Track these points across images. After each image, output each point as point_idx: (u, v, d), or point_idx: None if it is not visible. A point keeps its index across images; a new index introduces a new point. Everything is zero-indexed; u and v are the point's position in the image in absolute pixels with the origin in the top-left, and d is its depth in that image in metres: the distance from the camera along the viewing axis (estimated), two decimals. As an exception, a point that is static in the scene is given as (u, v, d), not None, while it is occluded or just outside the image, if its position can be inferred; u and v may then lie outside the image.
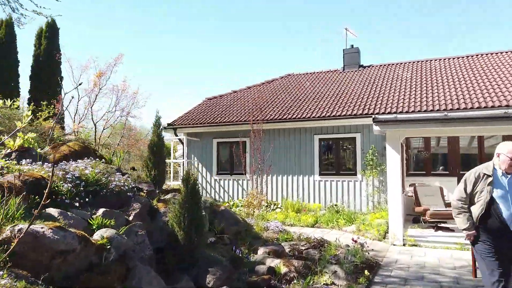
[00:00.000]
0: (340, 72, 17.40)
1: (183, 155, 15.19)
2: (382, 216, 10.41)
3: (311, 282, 5.15)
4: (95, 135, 10.42)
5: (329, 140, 13.18)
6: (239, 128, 13.81)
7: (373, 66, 17.19)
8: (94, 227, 3.64)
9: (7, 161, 3.98)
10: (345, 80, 15.99)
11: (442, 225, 9.48)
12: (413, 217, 10.59)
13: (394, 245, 8.35)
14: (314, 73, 18.39)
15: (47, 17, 6.62)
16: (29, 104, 20.55)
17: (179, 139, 15.33)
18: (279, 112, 13.75)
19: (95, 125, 10.75)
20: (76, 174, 4.09)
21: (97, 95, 11.46)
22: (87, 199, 3.97)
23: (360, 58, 17.63)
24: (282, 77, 18.75)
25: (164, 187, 7.18)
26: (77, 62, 32.78)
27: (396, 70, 16.02)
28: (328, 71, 18.06)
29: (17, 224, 2.90)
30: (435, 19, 57.13)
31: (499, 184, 3.72)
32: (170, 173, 14.82)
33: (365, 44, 56.32)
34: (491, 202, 3.68)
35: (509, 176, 3.71)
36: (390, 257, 7.24)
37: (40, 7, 6.52)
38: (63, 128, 11.08)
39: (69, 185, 3.88)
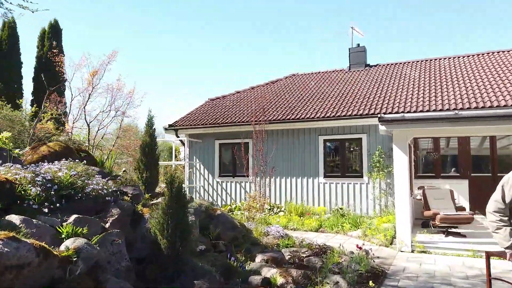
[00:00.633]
0: (346, 72, 16.95)
1: (184, 157, 14.84)
2: (389, 220, 9.95)
3: (310, 294, 4.74)
4: (88, 136, 10.11)
5: (334, 141, 12.74)
6: (241, 129, 13.44)
7: (380, 65, 16.72)
8: (63, 236, 3.27)
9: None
10: (351, 80, 15.54)
11: (453, 230, 8.99)
12: (422, 222, 10.10)
13: (401, 251, 7.90)
14: (319, 73, 17.96)
15: (33, 11, 6.30)
16: (32, 105, 20.40)
17: (181, 141, 14.99)
18: (283, 113, 13.35)
19: (88, 125, 10.43)
20: (48, 177, 3.73)
21: (90, 94, 11.14)
22: (58, 205, 3.60)
23: (366, 57, 17.17)
24: (286, 77, 18.35)
25: (158, 190, 6.81)
26: (69, 60, 32.60)
27: (403, 69, 15.54)
28: (333, 71, 17.62)
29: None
30: (444, 17, 56.39)
31: None
32: (165, 174, 14.46)
33: (372, 44, 55.79)
34: None
35: None
36: (397, 265, 6.78)
37: (26, 1, 6.22)
38: (58, 129, 10.81)
39: (38, 188, 3.51)
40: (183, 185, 3.78)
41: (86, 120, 10.29)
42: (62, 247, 3.04)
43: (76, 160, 4.46)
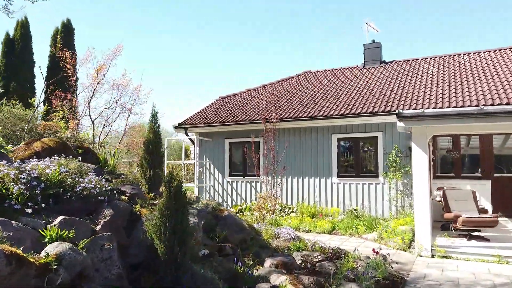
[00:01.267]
0: (360, 69, 16.43)
1: (194, 156, 14.54)
2: (406, 223, 9.46)
3: (324, 303, 4.34)
4: (93, 133, 9.86)
5: (348, 140, 12.27)
6: (252, 127, 13.07)
7: (396, 62, 16.16)
8: (46, 239, 2.94)
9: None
10: (366, 77, 15.03)
11: (476, 233, 8.45)
12: (442, 224, 9.58)
13: (421, 256, 7.42)
14: (332, 70, 17.47)
15: (32, 2, 6.05)
16: (44, 104, 20.39)
17: (190, 139, 14.69)
18: (295, 110, 12.93)
19: (93, 122, 10.20)
20: (34, 174, 3.41)
21: (94, 89, 10.87)
22: (44, 205, 3.28)
23: (382, 53, 16.60)
24: (298, 75, 17.90)
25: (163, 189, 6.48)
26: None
27: (421, 65, 14.96)
28: (347, 68, 17.11)
29: None
30: (463, 12, 55.06)
31: None
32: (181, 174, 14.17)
33: (387, 41, 54.69)
34: None
35: None
36: (417, 271, 6.32)
37: (26, -9, 5.97)
38: (67, 127, 10.59)
39: (22, 187, 3.19)
40: (183, 184, 3.44)
41: (90, 117, 10.06)
42: (43, 253, 2.71)
43: (70, 157, 4.14)
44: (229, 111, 14.65)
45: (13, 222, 2.88)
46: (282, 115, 12.68)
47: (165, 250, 3.32)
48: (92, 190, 3.65)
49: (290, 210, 11.87)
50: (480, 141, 11.34)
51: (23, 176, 3.30)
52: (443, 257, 7.30)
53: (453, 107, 9.85)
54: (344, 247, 7.60)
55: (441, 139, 12.06)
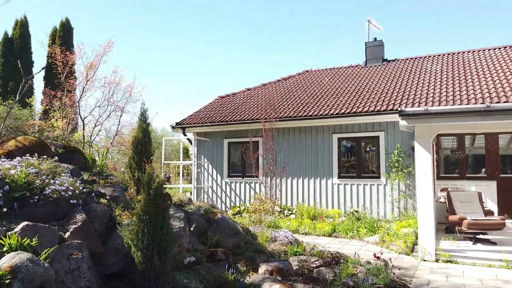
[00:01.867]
0: (362, 67, 16.09)
1: (192, 156, 14.23)
2: (409, 225, 9.12)
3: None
4: (83, 132, 9.56)
5: (350, 140, 11.94)
6: (250, 127, 12.77)
7: (398, 60, 15.81)
8: (5, 249, 2.64)
9: None
10: (368, 75, 14.69)
11: (482, 236, 8.12)
12: (446, 227, 9.25)
13: (424, 260, 7.10)
14: (333, 68, 17.14)
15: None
16: (42, 104, 20.16)
17: (188, 139, 14.39)
18: (294, 109, 12.61)
19: (83, 121, 9.89)
20: (-3, 175, 3.12)
21: (84, 87, 10.56)
22: (6, 209, 2.98)
23: (384, 51, 16.25)
24: (299, 74, 17.58)
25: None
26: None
27: (424, 63, 14.60)
28: (349, 66, 16.78)
29: None
30: (465, 10, 54.53)
31: None
32: (179, 175, 13.87)
33: (389, 39, 54.19)
34: None
35: None
36: (420, 278, 5.99)
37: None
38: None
39: (-21, 189, 2.89)
40: (165, 185, 3.14)
41: (80, 116, 9.73)
42: (-3, 265, 2.41)
43: (44, 156, 3.83)
44: (227, 111, 14.35)
45: (-33, 229, 2.59)
46: (282, 114, 12.37)
47: (143, 258, 3.01)
48: (63, 193, 3.34)
49: (289, 212, 11.55)
50: (485, 141, 10.98)
51: (-18, 178, 3.01)
52: (447, 261, 6.98)
53: (458, 105, 9.50)
54: (344, 251, 7.29)
55: (445, 138, 11.70)
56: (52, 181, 3.39)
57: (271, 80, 17.43)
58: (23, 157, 3.66)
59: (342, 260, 6.10)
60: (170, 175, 26.69)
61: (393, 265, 5.85)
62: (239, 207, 12.62)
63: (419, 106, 10.14)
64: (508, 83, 10.40)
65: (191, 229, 5.49)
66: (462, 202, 8.71)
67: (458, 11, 53.04)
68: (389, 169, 10.93)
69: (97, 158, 6.63)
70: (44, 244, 2.80)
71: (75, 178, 3.70)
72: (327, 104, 12.40)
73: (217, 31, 62.14)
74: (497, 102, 9.25)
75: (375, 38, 16.44)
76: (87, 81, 10.35)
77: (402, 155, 10.74)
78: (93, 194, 3.93)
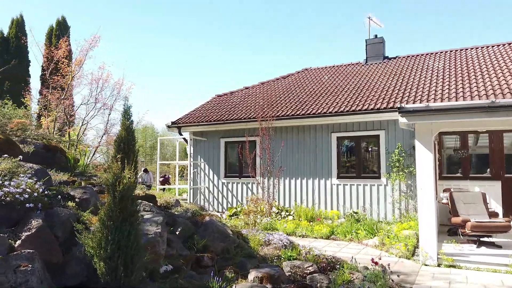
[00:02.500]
0: (362, 65, 15.74)
1: (188, 156, 13.91)
2: (410, 227, 8.76)
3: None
4: (68, 131, 9.25)
5: (349, 139, 11.59)
6: (247, 126, 12.44)
7: (399, 57, 15.45)
8: None
9: None
10: (368, 73, 14.33)
11: (486, 239, 7.76)
12: (448, 229, 8.89)
13: (426, 265, 6.75)
14: (333, 66, 16.79)
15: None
16: (38, 103, 19.89)
17: (184, 139, 14.07)
18: (292, 108, 12.27)
19: (68, 119, 9.58)
20: None
21: (68, 84, 10.23)
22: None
23: (385, 49, 15.89)
24: (298, 72, 17.24)
25: (138, 192, 5.85)
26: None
27: (426, 60, 14.24)
28: (349, 64, 16.42)
29: None
30: (467, 7, 53.98)
31: None
32: (174, 175, 13.55)
33: (390, 36, 53.72)
34: None
35: None
36: (421, 284, 5.65)
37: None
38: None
39: None
40: (135, 186, 2.81)
41: (65, 114, 9.42)
42: None
43: (6, 155, 3.51)
44: (225, 109, 14.02)
45: None
46: (279, 113, 12.04)
47: (106, 270, 2.68)
48: (17, 196, 3.02)
49: (287, 213, 11.20)
50: (489, 139, 10.58)
51: None
52: (450, 266, 6.63)
53: (461, 101, 9.14)
54: (341, 254, 6.95)
55: (447, 137, 11.33)
56: (7, 182, 3.07)
57: (270, 78, 17.10)
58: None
59: (338, 266, 5.75)
60: (169, 175, 26.37)
61: (391, 271, 5.50)
62: (236, 208, 12.28)
63: (420, 103, 9.79)
64: (513, 79, 10.04)
65: (177, 233, 5.16)
66: (465, 203, 8.35)
67: (458, 11, 52.57)
68: (389, 169, 10.57)
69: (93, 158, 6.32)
70: (-11, 254, 2.48)
71: (36, 179, 3.36)
72: (326, 102, 12.06)
73: (217, 31, 61.89)
74: (502, 99, 8.89)
75: (376, 35, 16.11)
76: (72, 77, 10.04)
77: (403, 154, 10.39)
78: (60, 196, 3.60)
